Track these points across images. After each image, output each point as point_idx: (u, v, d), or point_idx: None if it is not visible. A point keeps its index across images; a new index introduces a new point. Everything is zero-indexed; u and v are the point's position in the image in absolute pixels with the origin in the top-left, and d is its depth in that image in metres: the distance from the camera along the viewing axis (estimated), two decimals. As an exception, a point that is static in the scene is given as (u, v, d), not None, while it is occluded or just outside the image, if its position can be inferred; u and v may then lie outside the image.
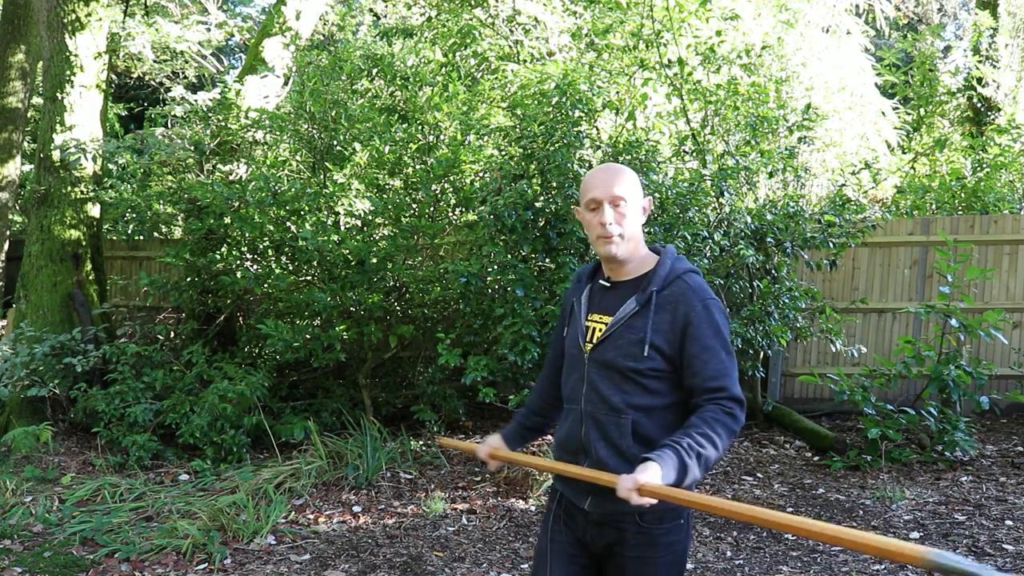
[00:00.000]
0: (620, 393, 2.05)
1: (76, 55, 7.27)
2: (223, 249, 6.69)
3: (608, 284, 2.16)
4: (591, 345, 2.11)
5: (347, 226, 6.98)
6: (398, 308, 6.70)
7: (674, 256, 2.15)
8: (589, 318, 2.15)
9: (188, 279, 7.23)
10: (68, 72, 7.27)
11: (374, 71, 7.24)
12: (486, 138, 6.73)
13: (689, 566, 4.29)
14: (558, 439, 2.22)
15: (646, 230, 5.96)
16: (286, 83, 8.60)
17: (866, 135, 10.48)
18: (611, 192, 2.08)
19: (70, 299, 7.21)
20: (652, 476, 1.82)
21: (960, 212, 8.75)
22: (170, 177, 7.76)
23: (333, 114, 6.98)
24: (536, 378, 2.65)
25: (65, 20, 7.25)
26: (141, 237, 8.47)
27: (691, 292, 2.06)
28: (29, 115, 10.78)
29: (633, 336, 2.05)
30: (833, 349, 6.91)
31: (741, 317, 6.32)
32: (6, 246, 10.31)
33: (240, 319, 7.59)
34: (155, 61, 11.09)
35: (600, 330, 2.11)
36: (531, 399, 2.45)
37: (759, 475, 5.91)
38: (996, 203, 8.54)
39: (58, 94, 7.30)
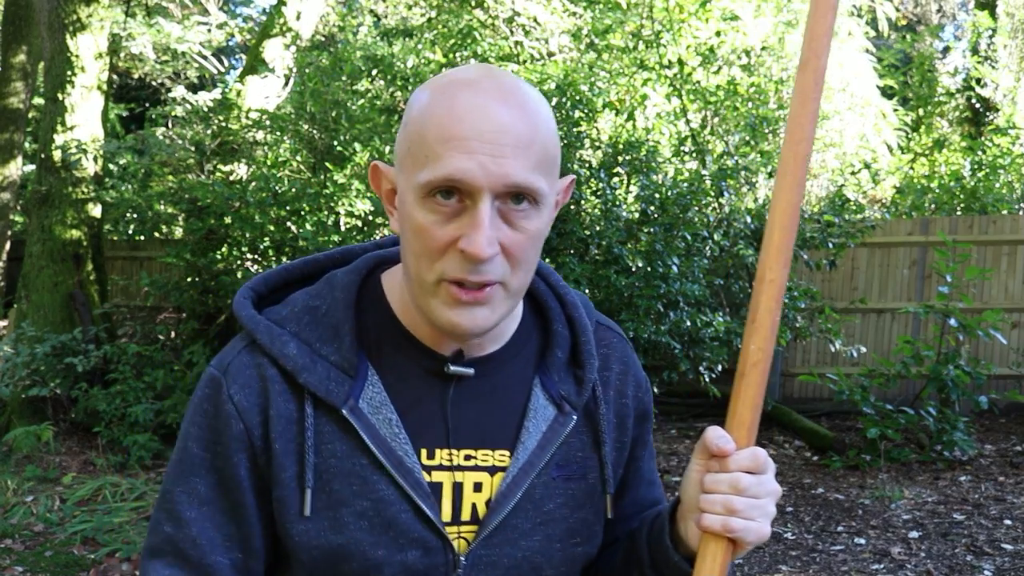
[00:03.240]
0: None
1: (77, 56, 7.29)
2: (224, 249, 6.70)
3: (466, 369, 0.94)
4: (472, 530, 0.93)
5: (347, 226, 6.99)
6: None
7: (559, 278, 1.05)
8: (431, 461, 0.93)
9: (189, 279, 7.24)
10: (69, 73, 7.29)
11: (374, 72, 7.25)
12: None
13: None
14: None
15: (645, 231, 5.97)
16: (287, 83, 8.61)
17: (866, 136, 10.50)
18: (509, 172, 0.84)
19: (71, 299, 7.22)
20: None
21: (959, 212, 8.77)
22: (171, 177, 7.77)
23: (333, 114, 7.00)
24: None
25: (66, 21, 7.26)
26: (142, 237, 8.49)
27: (631, 358, 1.08)
28: (30, 116, 10.79)
29: (574, 486, 0.98)
30: (832, 349, 6.93)
31: (741, 317, 6.33)
32: (7, 246, 10.32)
33: (241, 319, 7.59)
34: (156, 62, 11.10)
35: (485, 487, 0.94)
36: None
37: (758, 475, 5.92)
38: (995, 203, 8.56)
39: (59, 95, 7.31)
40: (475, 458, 0.93)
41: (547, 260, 5.88)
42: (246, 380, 0.91)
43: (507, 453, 0.94)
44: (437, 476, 0.92)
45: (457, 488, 0.92)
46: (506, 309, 0.89)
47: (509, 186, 0.84)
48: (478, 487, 0.93)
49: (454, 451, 0.93)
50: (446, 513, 0.92)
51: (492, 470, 0.93)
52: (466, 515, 0.93)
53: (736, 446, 0.88)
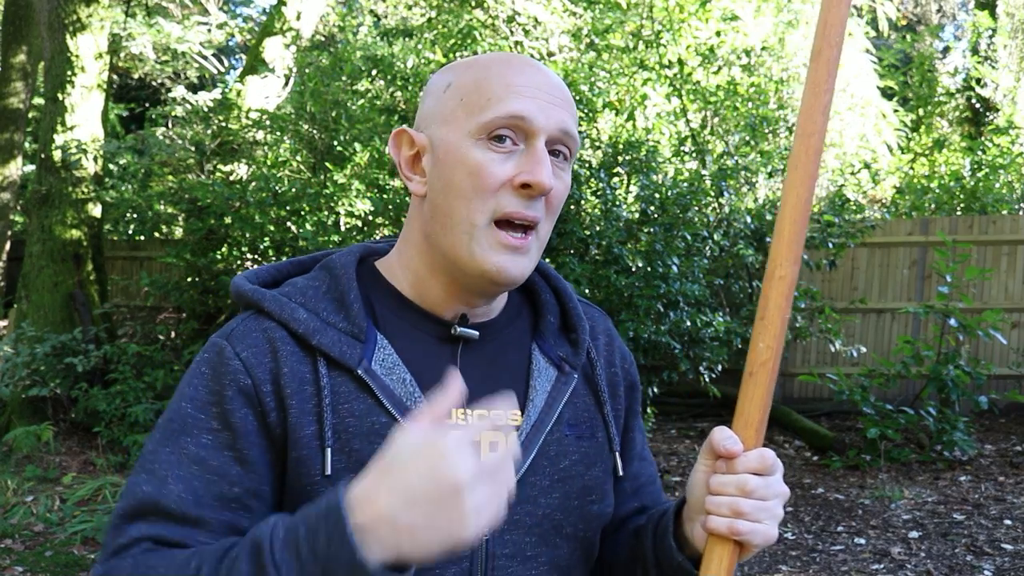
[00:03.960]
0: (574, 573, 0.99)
1: (77, 56, 7.29)
2: (224, 249, 6.71)
3: (473, 332, 0.96)
4: None
5: (347, 226, 6.99)
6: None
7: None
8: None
9: (189, 279, 7.25)
10: (69, 73, 7.29)
11: (374, 72, 7.26)
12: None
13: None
14: None
15: (645, 231, 5.97)
16: (287, 83, 8.62)
17: (866, 136, 10.50)
18: (562, 119, 0.91)
19: (71, 299, 7.22)
20: None
21: (959, 212, 8.77)
22: (171, 177, 7.77)
23: (333, 114, 7.00)
24: None
25: (66, 21, 7.26)
26: (142, 237, 8.49)
27: (614, 332, 1.11)
28: (30, 116, 10.79)
29: (585, 444, 0.99)
30: (832, 349, 6.93)
31: (741, 317, 6.34)
32: (7, 246, 10.32)
33: (241, 319, 7.60)
34: (156, 61, 11.10)
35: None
36: None
37: (758, 475, 5.92)
38: (995, 203, 8.56)
39: (59, 95, 7.31)
40: (489, 416, 0.94)
41: (547, 260, 5.87)
42: (253, 340, 0.90)
43: (518, 412, 0.95)
44: None
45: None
46: (536, 260, 0.93)
47: (562, 131, 0.90)
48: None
49: (468, 411, 0.93)
50: None
51: (505, 429, 0.94)
52: None
53: (744, 447, 0.87)
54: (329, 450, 0.87)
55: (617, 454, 1.01)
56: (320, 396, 0.88)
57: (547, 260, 5.85)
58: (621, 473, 1.02)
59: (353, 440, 0.88)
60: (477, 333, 0.96)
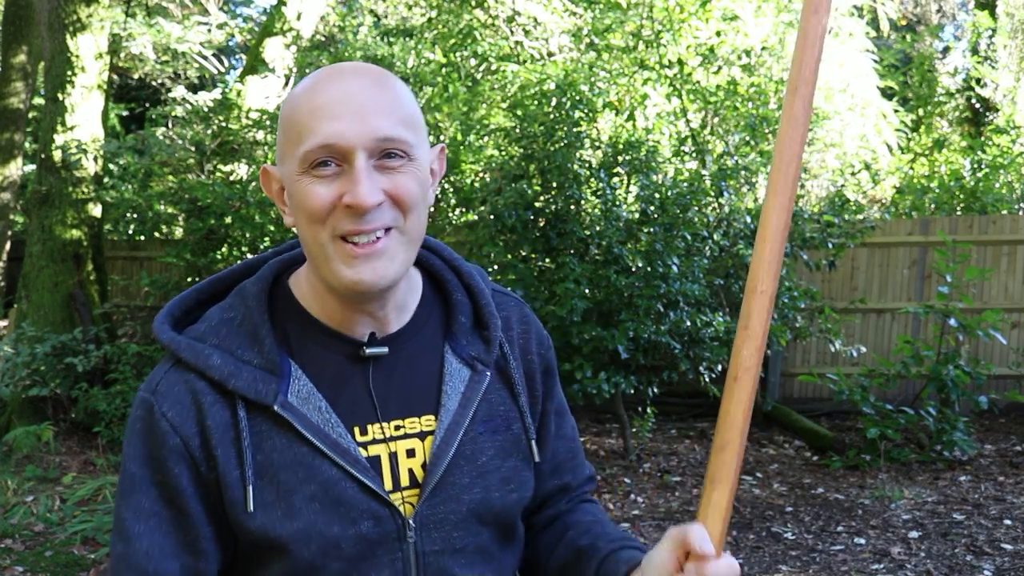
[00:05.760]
0: (492, 564, 1.04)
1: (77, 56, 7.29)
2: (224, 249, 6.71)
3: (383, 350, 1.00)
4: (414, 492, 0.98)
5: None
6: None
7: (452, 252, 1.11)
8: (365, 437, 0.98)
9: (189, 279, 7.24)
10: (69, 73, 7.29)
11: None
12: (486, 138, 6.74)
13: (688, 565, 4.30)
14: None
15: (645, 230, 5.97)
16: (287, 83, 8.62)
17: (866, 136, 10.50)
18: (375, 127, 0.91)
19: (71, 299, 7.22)
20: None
21: (959, 212, 8.77)
22: (171, 177, 7.77)
23: (334, 114, 7.00)
24: None
25: (66, 21, 7.26)
26: (142, 237, 8.49)
27: (531, 318, 1.12)
28: (30, 116, 10.79)
29: (500, 437, 1.03)
30: (832, 349, 6.93)
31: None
32: (7, 246, 10.32)
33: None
34: (156, 62, 11.11)
35: (418, 452, 0.99)
36: None
37: (758, 475, 5.92)
38: (995, 203, 8.56)
39: (59, 95, 7.31)
40: (404, 427, 0.99)
41: (547, 260, 5.88)
42: (176, 397, 0.95)
43: (432, 417, 1.00)
44: (373, 450, 0.97)
45: (393, 457, 0.98)
46: (406, 256, 0.95)
47: (379, 140, 0.91)
48: (411, 453, 0.98)
49: (384, 424, 0.98)
50: (387, 482, 0.97)
51: (422, 435, 0.99)
52: (405, 481, 0.98)
53: (713, 545, 0.90)
54: (251, 487, 0.93)
55: (533, 442, 1.06)
56: (240, 439, 0.94)
57: (547, 260, 5.86)
58: (537, 459, 1.06)
59: (279, 472, 0.94)
60: (386, 349, 1.00)
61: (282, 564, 0.95)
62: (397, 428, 0.99)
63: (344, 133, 0.89)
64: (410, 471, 0.98)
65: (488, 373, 1.03)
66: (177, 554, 0.95)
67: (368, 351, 0.99)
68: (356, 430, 0.97)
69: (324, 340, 0.99)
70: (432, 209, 6.55)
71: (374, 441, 0.97)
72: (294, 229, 0.97)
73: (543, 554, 1.11)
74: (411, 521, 0.97)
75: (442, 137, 6.83)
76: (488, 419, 1.03)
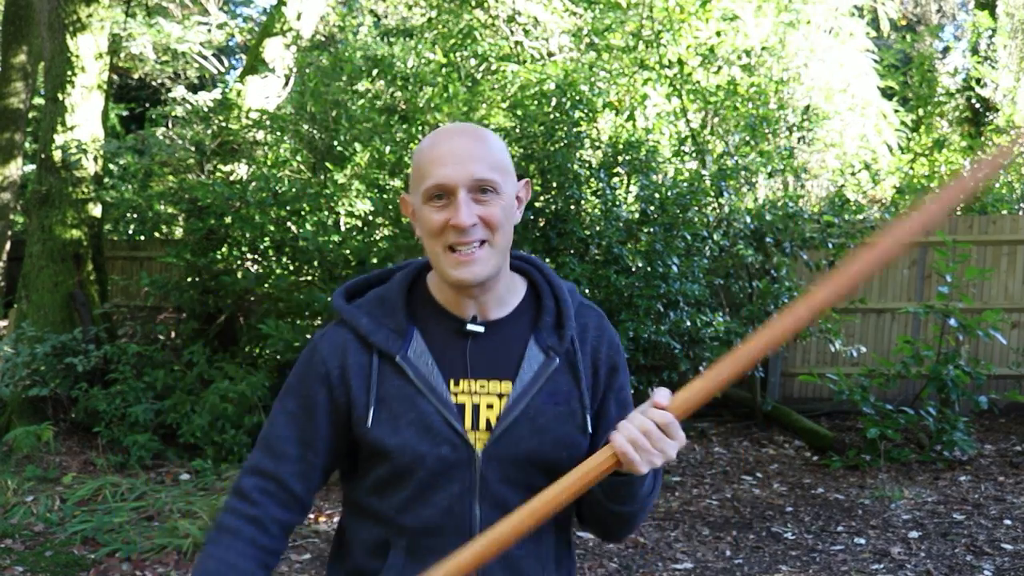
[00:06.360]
0: None
1: (77, 56, 7.29)
2: (224, 249, 6.71)
3: (480, 327, 1.36)
4: (486, 434, 1.32)
5: (347, 226, 6.99)
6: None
7: (551, 271, 1.47)
8: (456, 388, 1.34)
9: (189, 279, 7.25)
10: (69, 73, 7.29)
11: (375, 72, 7.26)
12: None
13: (689, 565, 4.31)
14: None
15: (645, 230, 5.98)
16: (287, 83, 8.62)
17: (866, 136, 10.50)
18: (472, 172, 1.28)
19: (71, 299, 7.22)
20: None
21: (959, 212, 8.77)
22: (171, 177, 7.77)
23: (334, 114, 7.00)
24: None
25: (66, 21, 7.26)
26: (142, 237, 8.49)
27: (606, 327, 1.45)
28: (30, 116, 10.79)
29: (561, 408, 1.35)
30: (832, 349, 6.93)
31: (740, 317, 6.34)
32: (7, 246, 10.32)
33: (241, 319, 7.60)
34: (156, 62, 11.11)
35: (495, 406, 1.33)
36: (229, 570, 1.32)
37: (758, 475, 5.92)
38: (995, 203, 8.56)
39: (59, 95, 7.31)
40: (487, 387, 1.35)
41: (547, 260, 5.89)
42: (332, 342, 1.38)
43: (510, 383, 1.35)
44: (461, 398, 1.34)
45: (475, 407, 1.34)
46: (496, 262, 1.32)
47: (474, 180, 1.29)
48: (490, 406, 1.34)
49: (472, 381, 1.35)
50: (468, 423, 1.33)
51: (500, 395, 1.34)
52: (482, 425, 1.33)
53: (669, 405, 1.20)
54: (372, 409, 1.33)
55: (588, 417, 1.37)
56: (370, 376, 1.35)
57: (547, 260, 5.87)
58: (590, 431, 1.37)
59: (392, 403, 1.33)
60: (483, 328, 1.37)
61: (385, 467, 1.33)
62: (481, 386, 1.35)
63: (450, 176, 1.28)
64: (487, 420, 1.33)
65: (558, 360, 1.36)
66: (296, 442, 1.36)
67: (469, 327, 1.36)
68: (451, 382, 1.34)
69: (439, 317, 1.38)
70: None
71: (463, 392, 1.34)
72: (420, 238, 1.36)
73: (588, 497, 1.34)
74: (479, 454, 1.32)
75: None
76: (552, 393, 1.35)
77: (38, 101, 10.66)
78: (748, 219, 6.37)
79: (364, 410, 1.33)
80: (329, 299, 6.13)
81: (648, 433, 1.19)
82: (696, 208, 6.17)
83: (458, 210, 1.28)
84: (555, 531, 1.40)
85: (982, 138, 10.78)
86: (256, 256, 6.88)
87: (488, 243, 1.30)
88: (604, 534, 1.45)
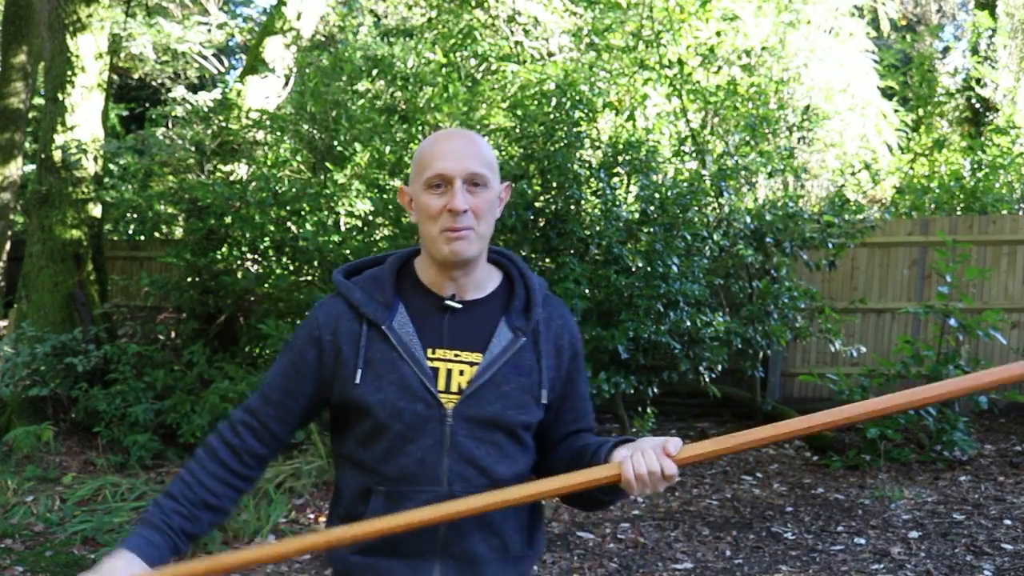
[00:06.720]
0: (506, 460, 1.55)
1: (77, 56, 7.29)
2: (224, 249, 6.70)
3: (458, 304, 1.57)
4: (456, 396, 1.52)
5: (347, 226, 6.99)
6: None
7: (526, 266, 1.68)
8: (433, 355, 1.54)
9: (189, 279, 7.25)
10: (69, 73, 7.29)
11: (375, 72, 7.26)
12: (486, 138, 6.74)
13: (689, 565, 4.31)
14: (372, 543, 1.51)
15: (645, 230, 5.98)
16: (287, 83, 8.62)
17: (867, 136, 10.50)
18: (468, 166, 1.51)
19: (71, 299, 7.22)
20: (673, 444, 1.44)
21: (959, 212, 8.77)
22: (171, 177, 7.77)
23: (334, 114, 7.00)
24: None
25: (66, 21, 7.26)
26: (142, 237, 8.49)
27: (568, 318, 1.67)
28: (30, 116, 10.79)
29: (523, 380, 1.56)
30: (832, 349, 6.93)
31: (740, 317, 6.34)
32: (7, 246, 10.32)
33: (241, 319, 7.60)
34: (156, 62, 11.10)
35: (465, 373, 1.54)
36: (195, 483, 1.54)
37: (758, 475, 5.92)
38: (995, 203, 8.56)
39: (59, 95, 7.31)
40: (460, 356, 1.55)
41: (547, 260, 5.88)
42: (328, 311, 1.60)
43: (480, 355, 1.55)
44: (435, 364, 1.54)
45: (448, 372, 1.54)
46: (479, 246, 1.55)
47: (470, 173, 1.52)
48: (461, 373, 1.55)
49: (447, 350, 1.56)
50: (441, 385, 1.53)
51: (471, 364, 1.55)
52: (454, 388, 1.54)
53: (677, 456, 1.43)
54: (360, 370, 1.54)
55: (544, 390, 1.59)
56: (359, 342, 1.55)
57: (547, 260, 5.86)
58: (545, 402, 1.59)
59: (377, 365, 1.54)
60: (460, 305, 1.58)
61: (369, 421, 1.54)
62: (456, 355, 1.55)
63: (450, 168, 1.51)
64: (458, 384, 1.53)
65: (524, 339, 1.58)
66: (282, 390, 1.60)
67: (447, 303, 1.57)
68: (428, 350, 1.54)
69: (422, 293, 1.59)
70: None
71: (438, 359, 1.54)
72: (416, 223, 1.59)
73: (558, 461, 1.63)
74: (450, 413, 1.52)
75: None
76: (516, 367, 1.56)
77: (38, 101, 10.66)
78: (748, 219, 6.37)
79: (353, 370, 1.55)
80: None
81: (652, 475, 1.42)
82: (696, 208, 6.17)
83: (455, 196, 1.50)
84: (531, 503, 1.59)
85: (982, 138, 10.77)
86: (256, 256, 6.88)
87: (474, 229, 1.52)
88: (581, 508, 1.72)
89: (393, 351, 1.53)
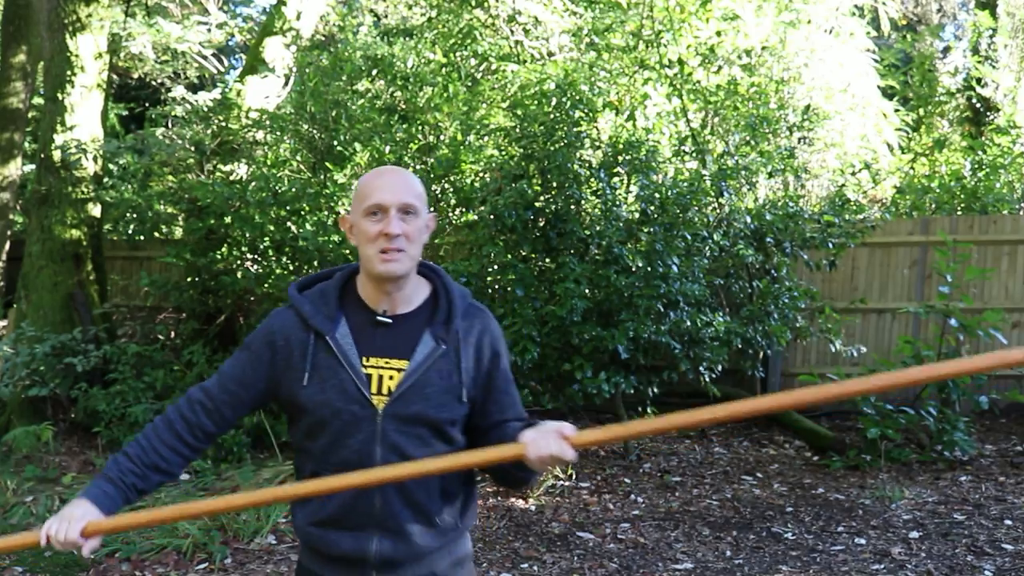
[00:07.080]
0: (428, 449, 1.79)
1: (77, 55, 7.29)
2: (223, 249, 6.70)
3: (388, 319, 1.81)
4: (386, 398, 1.77)
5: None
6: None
7: (450, 278, 1.90)
8: (367, 363, 1.78)
9: (189, 279, 7.24)
10: (69, 72, 7.29)
11: (374, 71, 7.25)
12: (486, 138, 6.74)
13: (689, 565, 4.30)
14: (323, 518, 1.81)
15: (645, 230, 5.99)
16: (287, 83, 8.61)
17: (867, 136, 10.49)
18: (401, 198, 1.75)
19: (71, 299, 7.22)
20: (569, 428, 1.67)
21: (959, 212, 8.76)
22: (171, 177, 7.77)
23: (333, 114, 6.99)
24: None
25: (66, 21, 7.26)
26: (142, 237, 8.47)
27: (488, 323, 1.87)
28: (30, 115, 10.78)
29: (442, 383, 1.79)
30: (832, 349, 6.92)
31: (741, 317, 6.33)
32: (7, 246, 10.31)
33: (241, 319, 7.60)
34: (156, 61, 11.09)
35: (395, 378, 1.77)
36: (150, 448, 1.81)
37: (759, 475, 5.92)
38: (995, 203, 8.55)
39: (59, 94, 7.31)
40: (391, 363, 1.79)
41: (547, 260, 5.88)
42: (282, 320, 1.84)
43: (407, 362, 1.79)
44: (370, 370, 1.78)
45: (380, 377, 1.78)
46: (408, 266, 1.78)
47: (403, 204, 1.76)
48: (391, 378, 1.78)
49: (379, 358, 1.79)
50: (374, 388, 1.77)
51: (399, 371, 1.78)
52: (385, 391, 1.77)
53: (574, 439, 1.65)
54: (307, 373, 1.78)
55: (464, 389, 1.81)
56: (306, 349, 1.79)
57: (547, 260, 5.85)
58: (465, 400, 1.81)
59: (321, 370, 1.78)
60: (391, 320, 1.81)
61: (314, 417, 1.78)
62: (386, 363, 1.79)
63: (386, 199, 1.75)
64: (388, 387, 1.77)
65: (444, 347, 1.80)
66: (236, 380, 1.83)
67: (379, 318, 1.81)
68: (364, 358, 1.78)
69: (360, 309, 1.83)
70: (432, 208, 6.53)
71: (372, 366, 1.78)
72: (356, 246, 1.82)
73: (492, 441, 1.81)
74: (380, 412, 1.76)
75: (442, 137, 6.82)
76: (438, 371, 1.79)
77: (38, 101, 10.64)
78: (748, 219, 6.36)
79: (301, 374, 1.79)
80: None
81: (552, 456, 1.65)
82: (696, 208, 6.16)
83: (390, 222, 1.74)
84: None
85: (982, 138, 10.76)
86: (256, 256, 6.88)
87: (406, 252, 1.76)
88: (504, 485, 1.96)
89: (335, 359, 1.78)
